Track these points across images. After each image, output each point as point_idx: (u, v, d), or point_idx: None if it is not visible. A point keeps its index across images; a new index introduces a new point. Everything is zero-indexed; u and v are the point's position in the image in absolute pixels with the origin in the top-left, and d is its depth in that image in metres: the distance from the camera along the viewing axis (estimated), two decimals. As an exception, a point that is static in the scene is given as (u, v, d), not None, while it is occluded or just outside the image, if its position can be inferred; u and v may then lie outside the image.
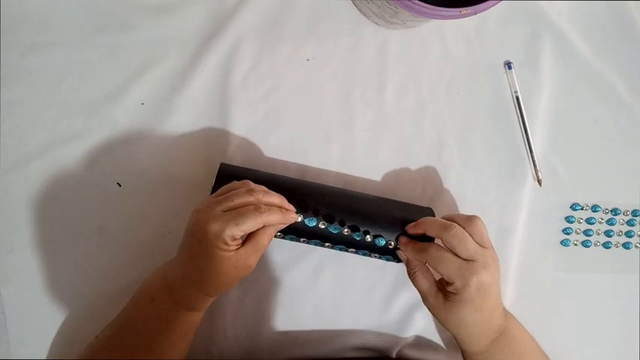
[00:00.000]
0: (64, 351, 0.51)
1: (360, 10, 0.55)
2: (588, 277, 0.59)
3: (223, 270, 0.41)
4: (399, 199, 0.52)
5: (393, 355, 0.55)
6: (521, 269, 0.57)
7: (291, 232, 0.47)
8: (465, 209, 0.56)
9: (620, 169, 0.59)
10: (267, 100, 0.54)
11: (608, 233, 0.58)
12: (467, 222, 0.45)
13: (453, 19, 0.43)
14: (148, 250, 0.52)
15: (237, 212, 0.41)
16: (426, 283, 0.46)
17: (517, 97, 0.57)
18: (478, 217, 0.45)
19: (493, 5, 0.43)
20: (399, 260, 0.49)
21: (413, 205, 0.51)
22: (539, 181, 0.57)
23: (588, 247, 0.58)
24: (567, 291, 0.58)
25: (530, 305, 0.57)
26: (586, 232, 0.58)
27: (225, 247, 0.41)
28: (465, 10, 0.43)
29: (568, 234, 0.58)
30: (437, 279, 0.47)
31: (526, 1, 0.57)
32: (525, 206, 0.57)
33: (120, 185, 0.52)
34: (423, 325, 0.56)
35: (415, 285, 0.46)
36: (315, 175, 0.54)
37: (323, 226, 0.47)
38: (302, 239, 0.48)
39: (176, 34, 0.53)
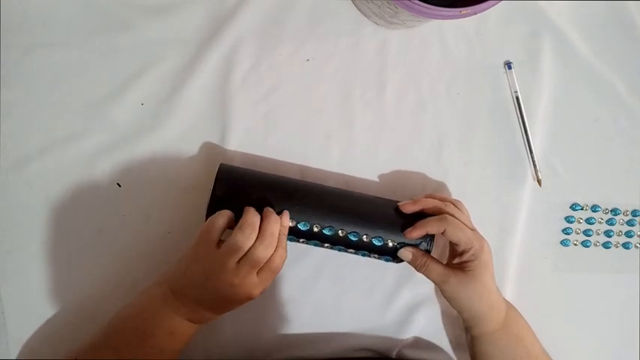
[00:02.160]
0: (63, 351, 0.51)
1: (360, 10, 0.55)
2: (588, 277, 0.59)
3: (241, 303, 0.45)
4: (399, 200, 0.52)
5: (393, 355, 0.55)
6: (521, 269, 0.57)
7: (289, 233, 0.47)
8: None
9: (620, 169, 0.59)
10: (267, 100, 0.54)
11: (608, 233, 0.58)
12: (457, 203, 0.49)
13: (453, 19, 0.43)
14: (148, 250, 0.52)
15: (275, 265, 0.44)
16: (439, 268, 0.47)
17: (517, 97, 0.56)
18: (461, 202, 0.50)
19: (493, 5, 0.43)
20: (399, 260, 0.49)
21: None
22: (539, 181, 0.57)
23: (588, 247, 0.58)
24: (567, 291, 0.58)
25: (530, 305, 0.56)
26: (586, 232, 0.58)
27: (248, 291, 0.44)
28: (465, 10, 0.43)
29: (568, 234, 0.58)
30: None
31: (526, 1, 0.57)
32: (525, 206, 0.57)
33: (120, 185, 0.52)
34: (422, 325, 0.56)
35: (429, 274, 0.48)
36: (315, 175, 0.54)
37: (317, 229, 0.47)
38: (301, 240, 0.48)
39: (176, 34, 0.53)
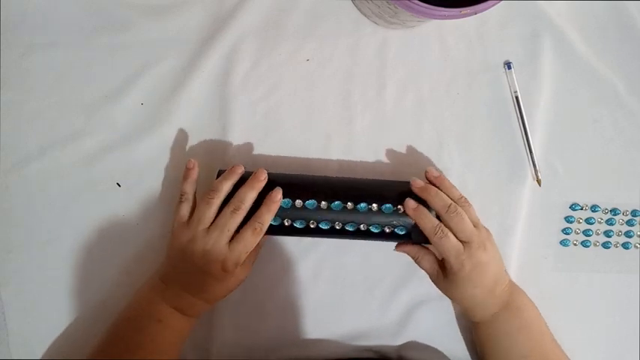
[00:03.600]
0: (63, 351, 0.51)
1: (360, 10, 0.55)
2: (588, 277, 0.59)
3: (230, 286, 0.47)
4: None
5: (393, 355, 0.55)
6: (521, 269, 0.57)
7: (298, 217, 0.47)
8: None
9: (620, 169, 0.59)
10: (267, 100, 0.54)
11: (607, 233, 0.58)
12: (462, 202, 0.49)
13: (453, 19, 0.43)
14: (148, 250, 0.52)
15: (240, 240, 0.45)
16: (428, 265, 0.50)
17: (517, 98, 0.56)
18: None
19: (493, 5, 0.43)
20: (416, 238, 0.49)
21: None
22: (539, 181, 0.57)
23: (588, 247, 0.58)
24: (567, 291, 0.58)
25: (530, 305, 0.57)
26: (585, 232, 0.58)
27: (230, 274, 0.45)
28: (464, 10, 0.43)
29: (567, 234, 0.58)
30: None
31: (526, 1, 0.57)
32: (525, 206, 0.57)
33: (120, 185, 0.52)
34: (422, 325, 0.56)
35: (420, 266, 0.50)
36: (315, 174, 0.54)
37: (324, 206, 0.47)
38: (311, 222, 0.47)
39: (176, 34, 0.53)
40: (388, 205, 0.48)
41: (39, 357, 0.51)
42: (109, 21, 0.52)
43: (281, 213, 0.47)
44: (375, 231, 0.48)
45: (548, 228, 0.58)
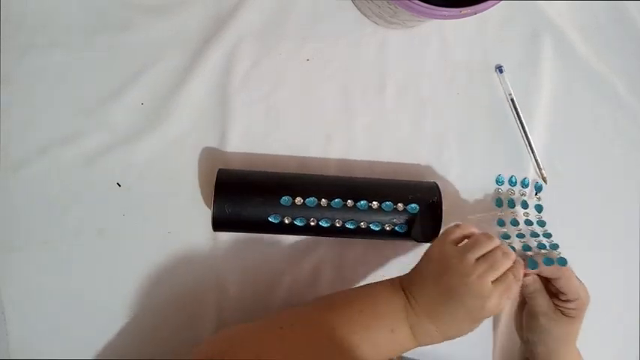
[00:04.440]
0: (64, 351, 0.51)
1: (360, 10, 0.55)
2: (588, 277, 0.58)
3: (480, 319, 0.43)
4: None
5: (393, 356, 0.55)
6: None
7: (298, 215, 0.47)
8: (464, 209, 0.56)
9: (620, 169, 0.59)
10: (267, 99, 0.54)
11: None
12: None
13: (453, 19, 0.43)
14: (148, 250, 0.52)
15: (506, 284, 0.42)
16: (546, 301, 0.48)
17: (512, 100, 0.56)
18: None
19: (493, 5, 0.43)
20: (415, 236, 0.49)
21: (416, 181, 0.52)
22: (545, 179, 0.57)
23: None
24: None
25: (530, 305, 0.57)
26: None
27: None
28: (464, 10, 0.43)
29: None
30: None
31: (526, 1, 0.57)
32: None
33: (120, 185, 0.52)
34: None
35: (534, 302, 0.48)
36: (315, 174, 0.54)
37: (324, 204, 0.47)
38: (311, 219, 0.47)
39: (176, 34, 0.53)
40: (388, 203, 0.48)
41: (39, 357, 0.51)
42: (109, 21, 0.52)
43: (281, 211, 0.47)
44: (376, 229, 0.48)
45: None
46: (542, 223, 0.55)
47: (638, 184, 0.59)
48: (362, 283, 0.55)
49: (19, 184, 0.51)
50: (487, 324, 0.56)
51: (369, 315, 0.42)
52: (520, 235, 0.52)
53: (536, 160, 0.57)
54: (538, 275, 0.48)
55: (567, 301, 0.47)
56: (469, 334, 0.54)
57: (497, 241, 0.43)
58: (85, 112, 0.52)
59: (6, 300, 0.51)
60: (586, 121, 0.59)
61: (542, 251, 0.50)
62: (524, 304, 0.51)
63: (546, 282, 0.48)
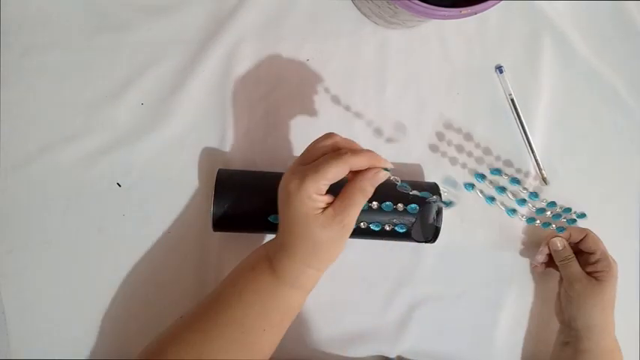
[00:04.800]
0: (64, 351, 0.51)
1: (360, 10, 0.55)
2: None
3: (314, 232, 0.38)
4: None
5: (393, 355, 0.55)
6: (521, 269, 0.57)
7: None
8: (464, 209, 0.56)
9: (619, 169, 0.59)
10: (267, 99, 0.54)
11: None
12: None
13: (453, 19, 0.43)
14: (148, 250, 0.52)
15: (316, 162, 0.38)
16: (578, 269, 0.52)
17: (512, 100, 0.57)
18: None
19: (493, 5, 0.43)
20: (415, 236, 0.49)
21: (416, 181, 0.53)
22: (545, 179, 0.57)
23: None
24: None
25: (531, 305, 0.57)
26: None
27: (311, 204, 0.38)
28: (464, 10, 0.43)
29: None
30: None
31: (526, 1, 0.57)
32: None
33: (120, 185, 0.52)
34: (422, 325, 0.56)
35: (567, 271, 0.52)
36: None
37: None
38: None
39: (176, 34, 0.53)
40: (388, 203, 0.48)
41: (39, 357, 0.51)
42: (109, 21, 0.52)
43: None
44: (376, 229, 0.48)
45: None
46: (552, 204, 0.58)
47: (637, 184, 0.59)
48: (362, 283, 0.55)
49: (19, 184, 0.51)
50: (487, 324, 0.56)
51: (238, 273, 0.43)
52: (540, 211, 0.57)
53: (536, 160, 0.57)
54: (568, 242, 0.53)
55: (597, 262, 0.51)
56: (469, 333, 0.54)
57: (330, 141, 0.40)
58: (85, 112, 0.52)
59: (6, 300, 0.51)
60: (586, 121, 0.59)
61: (562, 219, 0.57)
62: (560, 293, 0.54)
63: (576, 248, 0.53)
